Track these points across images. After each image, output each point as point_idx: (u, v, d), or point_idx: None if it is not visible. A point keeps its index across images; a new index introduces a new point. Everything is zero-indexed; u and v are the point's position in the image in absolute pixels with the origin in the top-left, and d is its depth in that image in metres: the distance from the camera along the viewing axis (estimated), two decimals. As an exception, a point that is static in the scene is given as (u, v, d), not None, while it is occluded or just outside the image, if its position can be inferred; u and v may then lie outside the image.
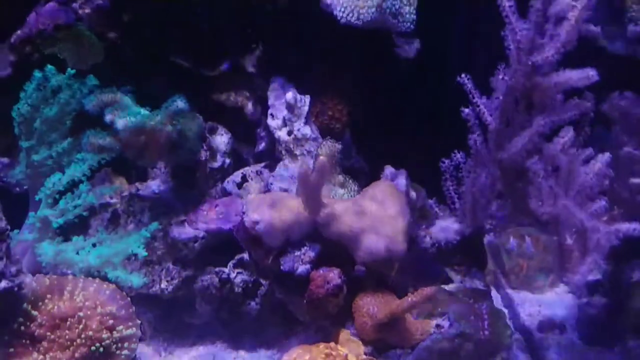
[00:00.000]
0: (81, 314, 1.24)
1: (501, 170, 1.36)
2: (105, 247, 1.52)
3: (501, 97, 1.32)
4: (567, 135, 1.29)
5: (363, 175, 1.87)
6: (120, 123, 1.51)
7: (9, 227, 1.31)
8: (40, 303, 1.24)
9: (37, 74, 1.61)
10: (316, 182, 1.32)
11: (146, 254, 1.49)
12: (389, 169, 1.60)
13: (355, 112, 1.84)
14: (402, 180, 1.50)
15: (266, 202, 1.40)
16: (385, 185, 1.46)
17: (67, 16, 1.72)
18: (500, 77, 1.34)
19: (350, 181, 1.59)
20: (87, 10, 1.74)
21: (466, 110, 1.43)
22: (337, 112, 1.83)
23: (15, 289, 1.20)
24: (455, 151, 1.46)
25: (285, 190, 1.59)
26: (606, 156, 1.25)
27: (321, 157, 1.31)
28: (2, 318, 1.22)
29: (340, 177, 1.57)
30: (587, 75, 1.20)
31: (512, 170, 1.35)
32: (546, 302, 1.79)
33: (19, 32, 1.73)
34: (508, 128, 1.34)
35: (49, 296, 1.26)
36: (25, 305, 1.23)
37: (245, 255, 1.60)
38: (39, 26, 1.71)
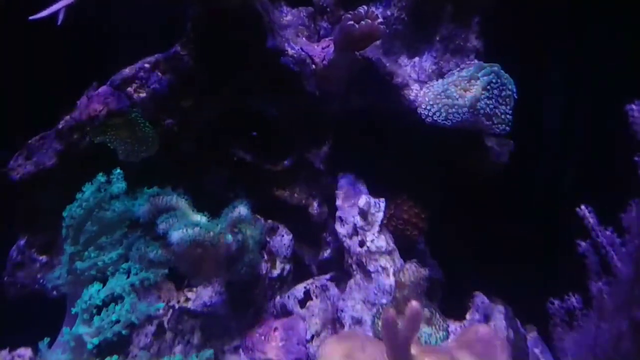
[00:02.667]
0: None
1: (634, 329, 1.12)
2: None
3: (638, 243, 1.08)
4: None
5: (439, 286, 1.65)
6: (175, 236, 1.31)
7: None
8: None
9: (101, 177, 1.42)
10: (406, 334, 1.10)
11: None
12: (479, 297, 1.37)
13: (434, 217, 1.63)
14: (501, 322, 1.26)
15: (341, 351, 1.18)
16: (485, 332, 1.23)
17: (120, 101, 1.56)
18: (634, 214, 1.11)
19: (437, 315, 1.36)
20: (142, 95, 1.57)
21: (583, 244, 1.20)
22: (413, 217, 1.61)
23: None
24: (571, 294, 1.22)
25: (359, 321, 1.37)
26: None
27: (413, 303, 1.09)
28: None
29: (427, 312, 1.34)
30: None
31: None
32: None
33: (67, 117, 1.58)
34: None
35: None
36: None
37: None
38: (90, 112, 1.55)
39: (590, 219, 1.15)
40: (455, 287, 1.62)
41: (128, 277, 1.41)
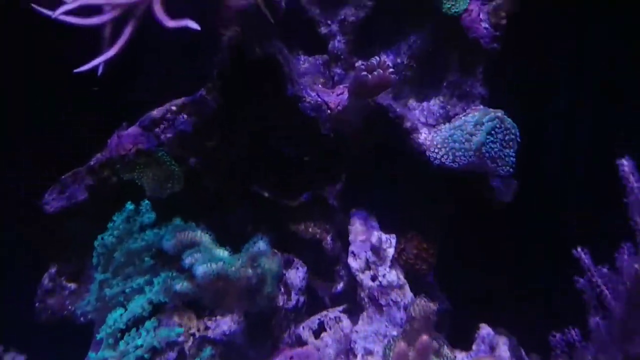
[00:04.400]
0: None
1: (628, 363, 1.20)
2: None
3: (629, 284, 1.18)
4: None
5: (446, 317, 1.74)
6: (200, 270, 1.41)
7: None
8: None
9: (130, 206, 1.53)
10: (417, 364, 1.19)
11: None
12: (485, 329, 1.46)
13: (442, 252, 1.72)
14: (505, 353, 1.35)
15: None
16: (489, 364, 1.31)
17: (149, 141, 1.67)
18: (626, 256, 1.20)
19: (445, 347, 1.45)
20: (169, 135, 1.68)
21: (581, 280, 1.29)
22: (423, 252, 1.71)
23: None
24: (570, 328, 1.31)
25: (371, 352, 1.46)
26: None
27: (424, 338, 1.17)
28: None
29: (435, 344, 1.43)
30: None
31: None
32: None
33: (99, 155, 1.68)
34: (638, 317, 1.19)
35: None
36: None
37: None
38: (121, 150, 1.66)
39: (586, 260, 1.24)
40: (462, 317, 1.70)
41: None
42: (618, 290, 1.20)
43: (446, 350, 1.43)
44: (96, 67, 1.35)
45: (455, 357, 1.42)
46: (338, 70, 1.80)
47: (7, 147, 1.70)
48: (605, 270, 1.25)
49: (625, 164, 1.17)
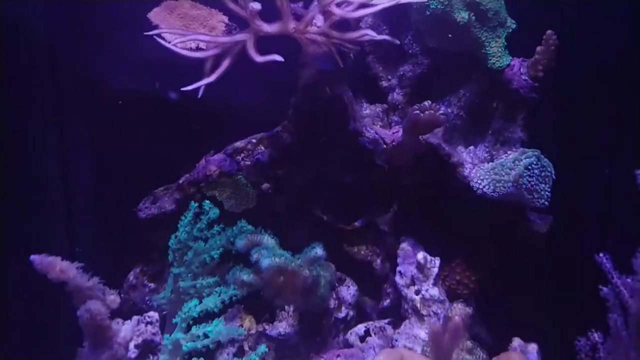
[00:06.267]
0: None
1: None
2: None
3: (645, 280, 1.31)
4: None
5: (486, 347, 1.84)
6: (264, 262, 1.64)
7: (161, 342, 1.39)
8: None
9: (194, 204, 1.81)
10: (449, 343, 1.33)
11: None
12: (517, 341, 1.58)
13: (483, 280, 1.87)
14: (533, 355, 1.46)
15: (392, 358, 1.42)
16: (517, 357, 1.43)
17: (230, 166, 1.97)
18: (641, 259, 1.34)
19: (479, 349, 1.57)
20: (247, 163, 1.97)
21: (605, 289, 1.42)
22: (465, 278, 1.86)
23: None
24: (592, 330, 1.43)
25: (410, 349, 1.60)
26: None
27: (456, 318, 1.33)
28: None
29: (469, 343, 1.56)
30: None
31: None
32: None
33: (187, 175, 1.99)
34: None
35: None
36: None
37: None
38: (207, 171, 1.96)
39: (607, 264, 1.38)
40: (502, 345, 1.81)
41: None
42: (634, 289, 1.33)
43: (479, 350, 1.55)
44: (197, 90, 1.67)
45: (485, 357, 1.54)
46: (395, 118, 2.07)
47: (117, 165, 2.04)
48: (626, 278, 1.38)
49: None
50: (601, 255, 1.40)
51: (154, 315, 1.58)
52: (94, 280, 1.39)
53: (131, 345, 1.35)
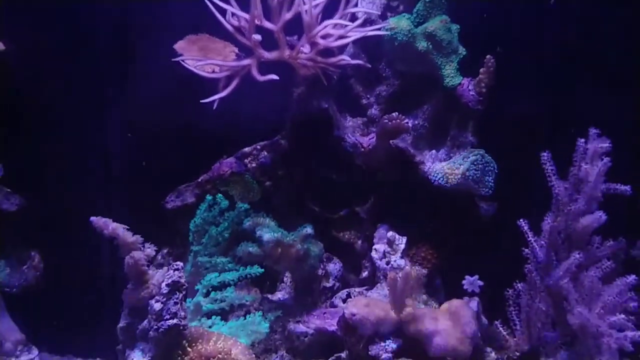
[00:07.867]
0: (220, 356, 1.71)
1: (549, 295, 1.73)
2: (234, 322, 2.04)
3: (547, 237, 1.75)
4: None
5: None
6: (266, 236, 2.10)
7: (186, 284, 1.83)
8: (193, 344, 1.73)
9: (209, 197, 2.28)
10: (402, 286, 1.77)
11: (267, 325, 1.98)
12: (466, 298, 2.01)
13: (444, 256, 2.31)
14: (474, 303, 1.89)
15: (363, 302, 1.86)
16: (459, 302, 1.87)
17: (239, 167, 2.44)
18: (547, 221, 1.79)
19: (432, 301, 2.01)
20: (253, 165, 2.43)
21: (526, 250, 1.86)
22: (428, 255, 2.31)
23: (181, 327, 1.71)
24: (517, 281, 1.86)
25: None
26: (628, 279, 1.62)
27: (406, 268, 1.77)
28: (167, 344, 1.71)
29: (424, 297, 2.00)
30: (597, 217, 1.64)
31: (557, 294, 1.71)
32: None
33: (205, 175, 2.46)
34: (554, 262, 1.74)
35: (200, 341, 1.74)
36: (184, 342, 1.73)
37: (343, 355, 2.01)
38: (220, 172, 2.43)
39: (525, 227, 1.82)
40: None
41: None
42: (541, 244, 1.77)
43: (433, 303, 1.99)
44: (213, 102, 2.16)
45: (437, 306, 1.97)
46: (373, 129, 2.54)
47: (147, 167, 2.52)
48: (539, 238, 1.83)
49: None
50: (521, 220, 1.84)
51: (179, 264, 2.00)
52: (137, 237, 1.83)
53: (163, 284, 1.76)
